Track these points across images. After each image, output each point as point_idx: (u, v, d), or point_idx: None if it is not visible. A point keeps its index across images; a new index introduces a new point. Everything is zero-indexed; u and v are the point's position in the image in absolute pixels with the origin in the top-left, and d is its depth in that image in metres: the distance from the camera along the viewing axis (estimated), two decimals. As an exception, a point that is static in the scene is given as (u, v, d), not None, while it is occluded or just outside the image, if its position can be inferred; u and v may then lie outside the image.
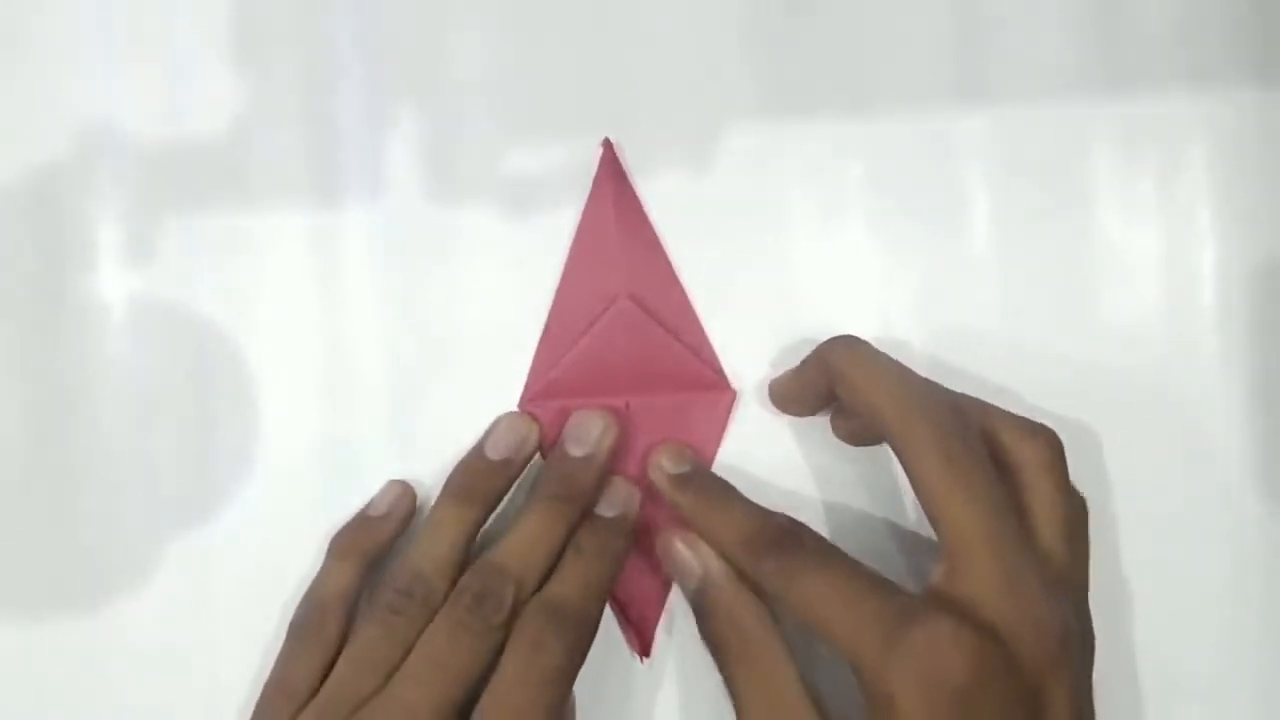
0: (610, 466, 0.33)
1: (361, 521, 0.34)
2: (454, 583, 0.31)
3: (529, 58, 0.34)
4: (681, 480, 0.32)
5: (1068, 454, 0.31)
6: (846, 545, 0.29)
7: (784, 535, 0.30)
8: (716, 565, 0.31)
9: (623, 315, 0.34)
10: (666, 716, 0.34)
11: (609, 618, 0.34)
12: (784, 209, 0.34)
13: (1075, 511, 0.30)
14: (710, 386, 0.34)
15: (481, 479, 0.33)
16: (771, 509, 0.31)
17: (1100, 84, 0.34)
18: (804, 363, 0.32)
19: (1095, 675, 0.29)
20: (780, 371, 0.33)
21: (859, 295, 0.34)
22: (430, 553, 0.31)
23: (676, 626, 0.34)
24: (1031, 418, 0.30)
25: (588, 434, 0.33)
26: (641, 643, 0.34)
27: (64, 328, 0.34)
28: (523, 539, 0.31)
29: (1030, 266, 0.34)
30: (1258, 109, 0.33)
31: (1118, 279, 0.34)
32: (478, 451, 0.33)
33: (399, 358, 0.34)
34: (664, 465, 0.33)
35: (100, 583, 0.34)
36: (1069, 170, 0.34)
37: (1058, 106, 0.34)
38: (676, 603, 0.34)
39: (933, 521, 0.28)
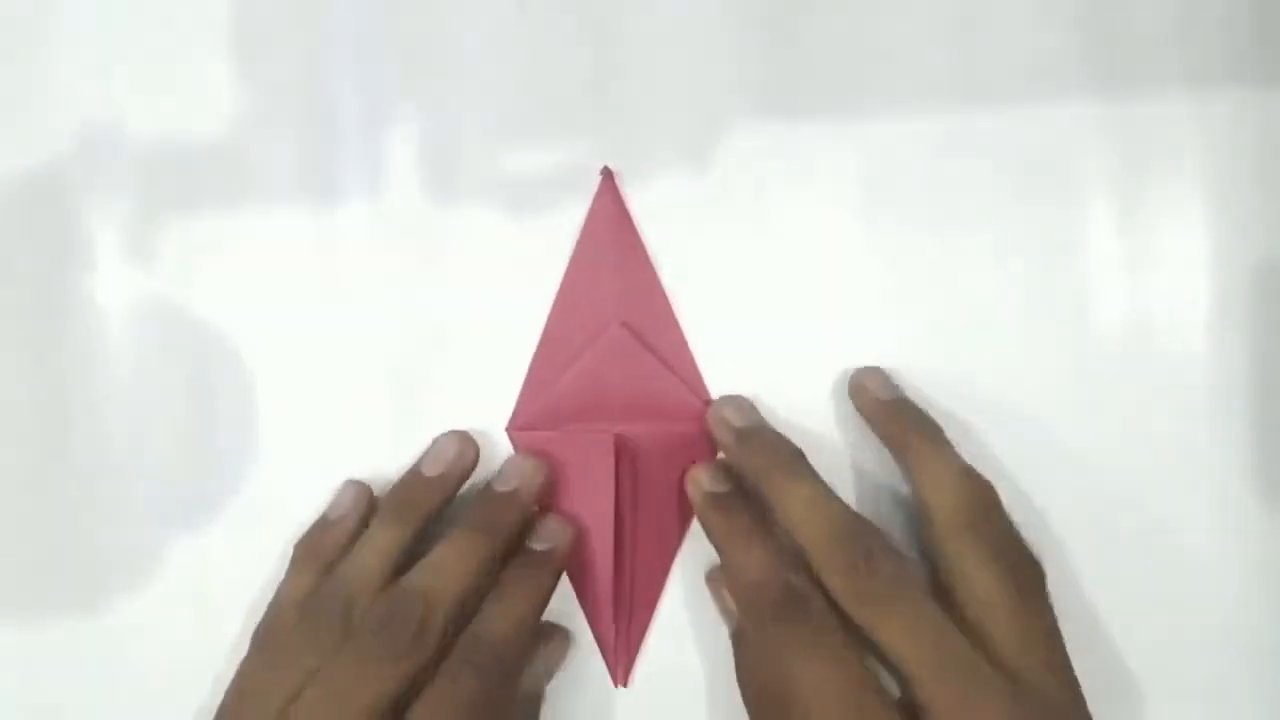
0: (540, 504, 0.33)
1: (320, 526, 0.33)
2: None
3: (528, 57, 0.34)
4: (716, 500, 0.32)
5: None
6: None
7: (790, 601, 0.29)
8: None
9: (615, 342, 0.34)
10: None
11: (589, 645, 0.34)
12: (780, 210, 0.34)
13: (1008, 583, 0.29)
14: (700, 418, 0.34)
15: (416, 493, 0.33)
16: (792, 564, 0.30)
17: (1097, 84, 0.34)
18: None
19: (1095, 678, 0.29)
20: (761, 392, 0.34)
21: (853, 297, 0.34)
22: (356, 570, 0.31)
23: (652, 655, 0.34)
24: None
25: (517, 471, 0.33)
26: (621, 671, 0.34)
27: (64, 327, 0.34)
28: (435, 564, 0.30)
29: (1026, 266, 0.34)
30: (1254, 108, 0.33)
31: (1114, 278, 0.34)
32: (414, 469, 0.33)
33: (398, 357, 0.34)
34: (702, 481, 0.32)
35: (100, 583, 0.34)
36: (1066, 170, 0.34)
37: (1055, 106, 0.34)
38: (654, 634, 0.34)
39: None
